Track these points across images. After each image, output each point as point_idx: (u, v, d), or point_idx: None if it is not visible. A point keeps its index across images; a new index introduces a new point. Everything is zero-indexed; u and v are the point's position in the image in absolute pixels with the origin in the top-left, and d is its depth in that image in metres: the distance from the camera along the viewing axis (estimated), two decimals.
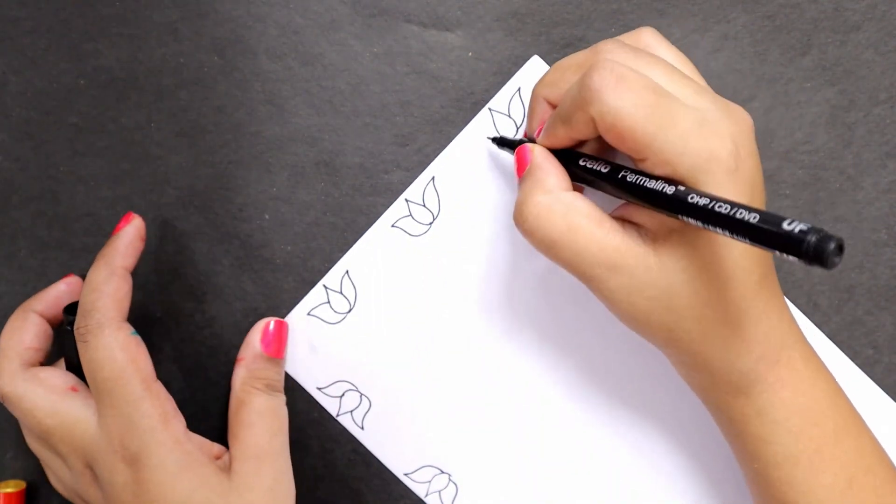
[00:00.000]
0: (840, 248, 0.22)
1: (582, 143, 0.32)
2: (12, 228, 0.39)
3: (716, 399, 0.32)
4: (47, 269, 0.39)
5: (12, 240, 0.39)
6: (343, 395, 0.39)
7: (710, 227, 0.26)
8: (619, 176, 0.30)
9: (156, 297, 0.39)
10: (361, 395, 0.39)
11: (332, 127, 0.38)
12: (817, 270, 0.38)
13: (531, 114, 0.34)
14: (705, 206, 0.26)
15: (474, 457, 0.39)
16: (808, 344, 0.32)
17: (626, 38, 0.33)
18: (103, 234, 0.38)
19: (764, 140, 0.37)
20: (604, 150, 0.32)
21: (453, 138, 0.38)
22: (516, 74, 0.37)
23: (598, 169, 0.31)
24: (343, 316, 0.38)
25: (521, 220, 0.31)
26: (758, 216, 0.24)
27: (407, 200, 0.38)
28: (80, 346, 0.33)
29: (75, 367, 0.34)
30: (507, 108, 0.37)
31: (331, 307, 0.38)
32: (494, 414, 0.39)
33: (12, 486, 0.38)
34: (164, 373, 0.39)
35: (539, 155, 0.32)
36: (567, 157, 0.32)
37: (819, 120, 0.38)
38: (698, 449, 0.38)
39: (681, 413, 0.38)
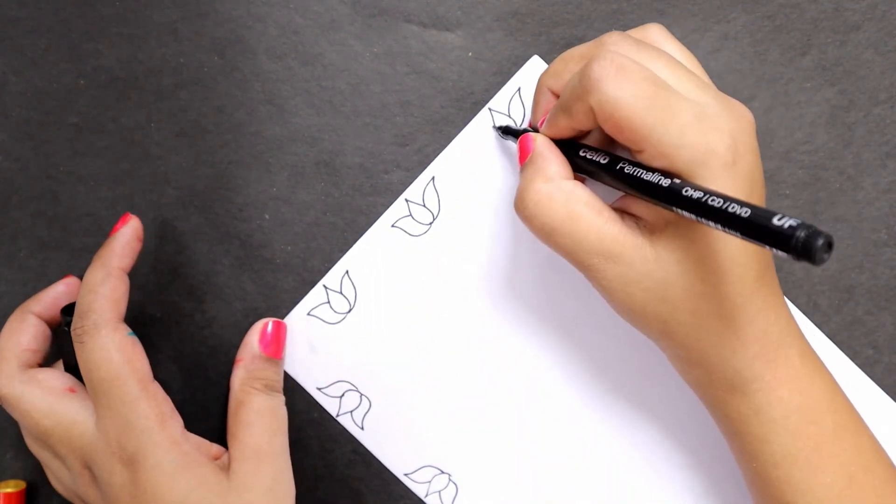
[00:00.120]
0: (829, 245, 0.22)
1: (585, 134, 0.33)
2: (12, 228, 0.39)
3: (713, 397, 0.32)
4: (47, 269, 0.39)
5: (12, 240, 0.39)
6: (343, 395, 0.39)
7: (704, 221, 0.26)
8: (618, 167, 0.30)
9: (155, 297, 0.39)
10: (361, 395, 0.39)
11: (332, 127, 0.38)
12: (817, 270, 0.38)
13: (535, 104, 0.34)
14: (699, 199, 0.26)
15: (474, 457, 0.39)
16: (806, 342, 0.32)
17: (634, 32, 0.33)
18: (103, 234, 0.38)
19: (764, 140, 0.37)
20: (606, 142, 0.33)
21: (453, 138, 0.38)
22: (516, 74, 0.37)
23: (598, 160, 0.31)
24: (343, 316, 0.38)
25: (521, 206, 0.32)
26: (749, 211, 0.24)
27: (407, 200, 0.38)
28: (76, 346, 0.33)
29: (73, 369, 0.34)
30: (507, 108, 0.37)
31: (331, 307, 0.38)
32: (494, 414, 0.39)
33: (12, 486, 0.38)
34: (164, 373, 0.39)
35: (541, 144, 0.33)
36: (569, 147, 0.32)
37: (819, 120, 0.38)
38: (698, 447, 0.38)
39: (681, 413, 0.38)
